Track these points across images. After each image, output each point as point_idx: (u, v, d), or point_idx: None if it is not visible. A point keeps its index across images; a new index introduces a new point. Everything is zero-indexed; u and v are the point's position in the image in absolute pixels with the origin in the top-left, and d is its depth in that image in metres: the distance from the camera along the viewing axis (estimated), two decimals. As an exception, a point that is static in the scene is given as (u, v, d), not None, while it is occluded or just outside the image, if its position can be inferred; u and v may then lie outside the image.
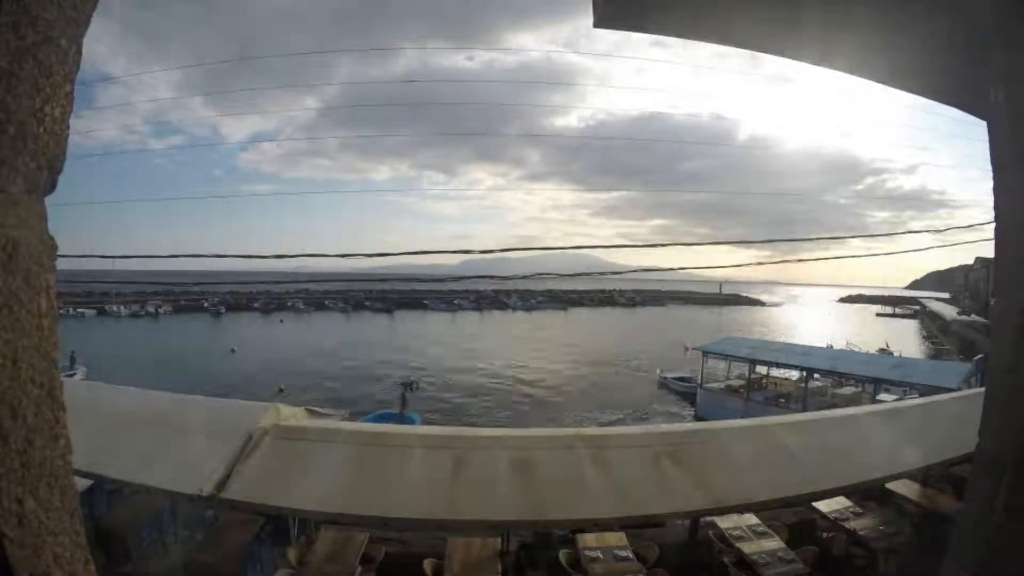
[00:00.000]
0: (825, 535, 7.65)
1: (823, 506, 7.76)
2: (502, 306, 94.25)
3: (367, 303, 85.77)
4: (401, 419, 14.08)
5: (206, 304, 73.75)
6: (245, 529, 6.82)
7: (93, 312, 62.86)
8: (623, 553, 6.44)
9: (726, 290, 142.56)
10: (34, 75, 0.83)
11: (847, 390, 21.56)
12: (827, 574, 6.59)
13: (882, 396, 18.64)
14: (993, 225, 1.54)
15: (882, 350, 34.28)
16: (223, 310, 71.86)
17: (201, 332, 53.26)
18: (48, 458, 0.87)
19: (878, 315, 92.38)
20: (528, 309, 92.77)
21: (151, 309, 69.43)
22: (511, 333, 59.14)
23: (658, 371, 32.45)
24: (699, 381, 24.74)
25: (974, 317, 49.32)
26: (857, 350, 28.68)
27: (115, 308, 66.01)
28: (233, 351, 38.79)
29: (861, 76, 1.89)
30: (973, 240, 7.54)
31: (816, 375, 21.45)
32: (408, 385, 16.30)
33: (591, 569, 6.20)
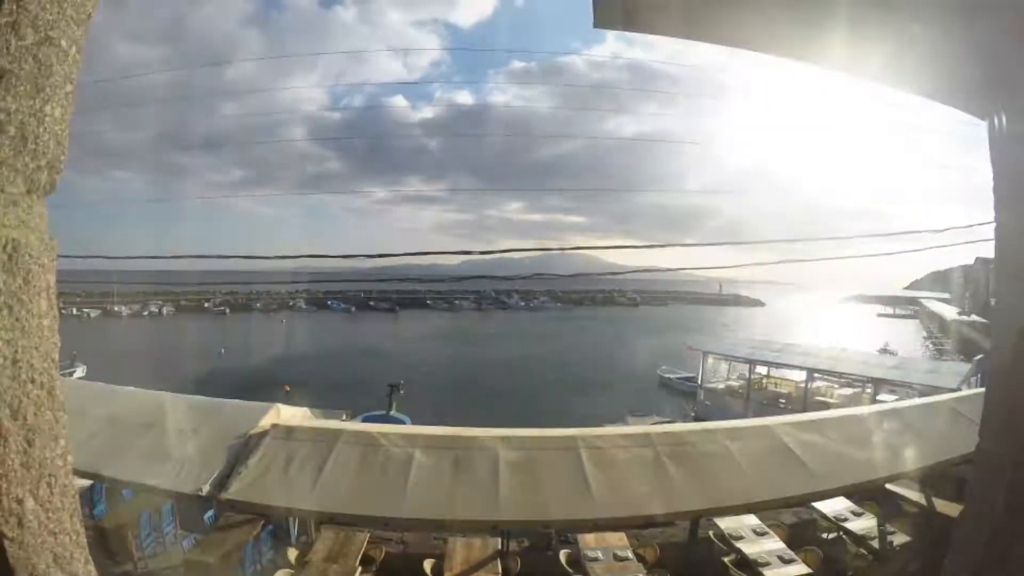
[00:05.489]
0: (825, 535, 7.64)
1: (823, 506, 7.75)
2: (503, 306, 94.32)
3: (371, 303, 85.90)
4: (388, 420, 14.23)
5: (207, 304, 73.89)
6: (245, 529, 6.81)
7: (98, 312, 63.01)
8: (623, 553, 6.43)
9: (727, 290, 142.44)
10: (34, 75, 0.83)
11: (847, 390, 21.55)
12: (828, 575, 6.59)
13: (882, 396, 18.62)
14: (993, 225, 1.54)
15: (883, 350, 34.27)
16: (227, 311, 72.01)
17: (203, 332, 53.35)
18: (48, 458, 0.87)
19: (879, 315, 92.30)
20: (531, 309, 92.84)
21: (153, 309, 69.52)
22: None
23: (658, 370, 32.32)
24: (699, 382, 24.73)
25: (974, 317, 49.27)
26: (858, 350, 28.68)
27: (117, 308, 66.03)
28: (222, 352, 38.97)
29: (860, 76, 1.89)
30: (973, 240, 7.52)
31: (816, 375, 21.43)
32: (395, 386, 16.39)
33: (591, 569, 6.19)
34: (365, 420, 14.26)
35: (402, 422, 14.42)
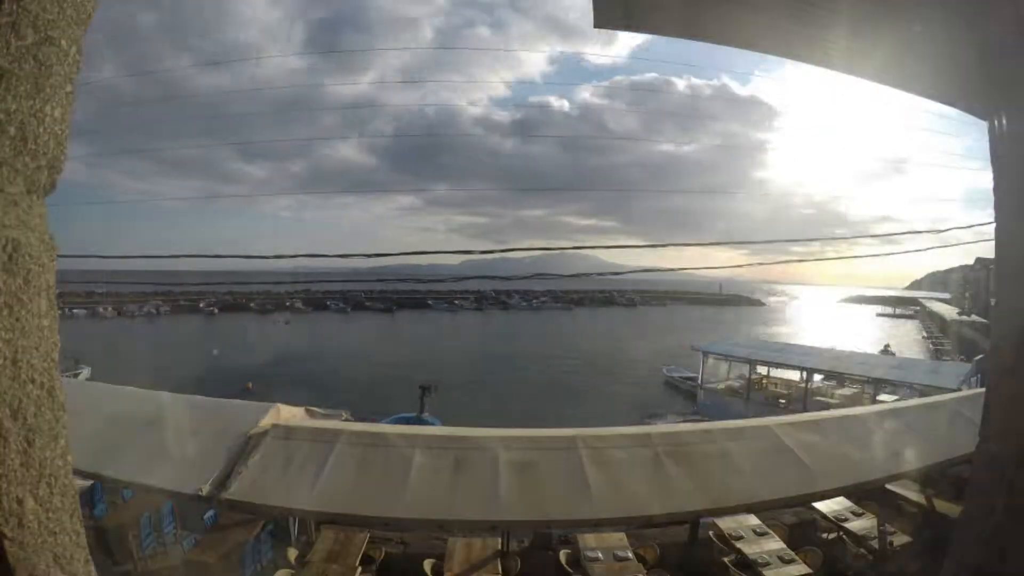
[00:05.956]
0: (825, 535, 7.64)
1: (823, 506, 7.75)
2: (504, 306, 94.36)
3: (368, 303, 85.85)
4: (419, 423, 14.16)
5: (202, 305, 74.00)
6: (245, 529, 6.81)
7: (84, 312, 63.09)
8: (623, 553, 6.43)
9: (726, 290, 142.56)
10: (34, 75, 0.83)
11: (847, 390, 21.54)
12: (827, 575, 6.59)
13: (882, 397, 18.62)
14: (993, 225, 1.54)
15: (884, 351, 34.28)
16: (215, 311, 72.06)
17: (199, 333, 53.38)
18: (48, 458, 0.87)
19: (878, 315, 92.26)
20: (534, 309, 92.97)
21: (150, 309, 69.62)
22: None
23: (663, 370, 32.37)
24: (699, 381, 24.73)
25: (974, 317, 49.26)
26: (858, 350, 28.71)
27: (102, 309, 65.57)
28: (215, 353, 38.86)
29: (861, 77, 1.89)
30: (973, 240, 7.51)
31: (816, 375, 21.43)
32: (427, 388, 16.14)
33: (591, 569, 6.19)
34: (395, 422, 14.24)
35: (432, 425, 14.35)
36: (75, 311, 61.84)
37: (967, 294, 60.71)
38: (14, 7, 0.79)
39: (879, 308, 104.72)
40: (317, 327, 61.04)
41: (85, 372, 24.86)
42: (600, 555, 6.38)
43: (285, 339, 49.66)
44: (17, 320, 0.82)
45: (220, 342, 43.39)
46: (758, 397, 21.73)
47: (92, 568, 0.97)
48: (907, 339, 53.92)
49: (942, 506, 7.62)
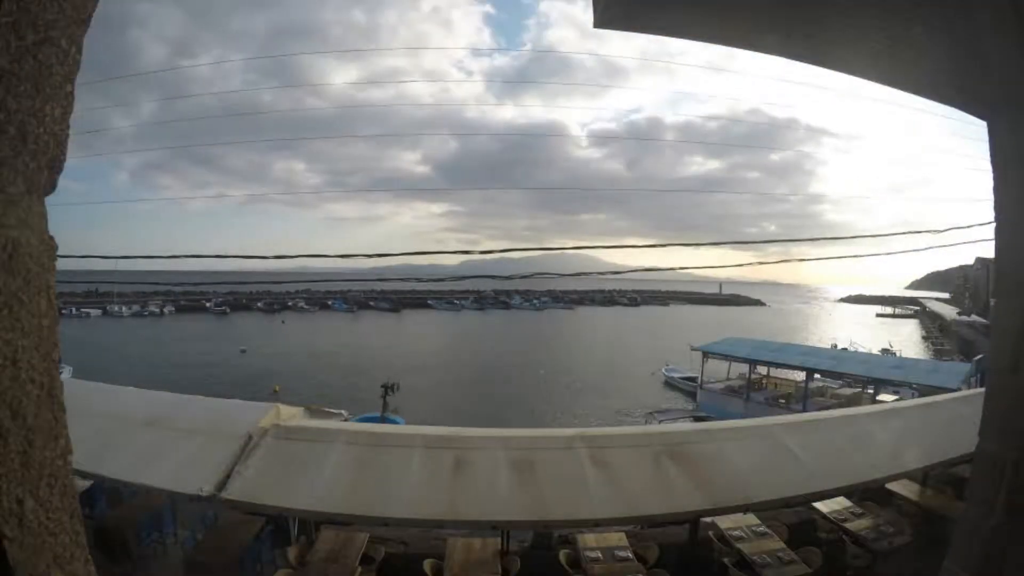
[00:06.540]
0: (825, 535, 7.64)
1: (823, 506, 7.74)
2: (505, 306, 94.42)
3: (372, 303, 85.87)
4: (383, 421, 14.23)
5: (208, 304, 74.45)
6: (245, 529, 6.81)
7: (99, 312, 63.91)
8: (623, 553, 6.43)
9: (727, 290, 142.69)
10: (34, 75, 0.83)
11: (847, 391, 21.55)
12: (827, 575, 6.59)
13: (882, 397, 18.62)
14: (993, 225, 1.54)
15: (884, 350, 34.30)
16: (227, 310, 72.56)
17: (216, 331, 53.84)
18: (48, 458, 0.87)
19: (878, 315, 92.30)
20: (536, 309, 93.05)
21: (154, 309, 70.13)
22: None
23: (663, 369, 32.30)
24: (699, 381, 24.73)
25: (974, 317, 49.31)
26: (858, 350, 28.73)
27: (117, 308, 66.83)
28: (243, 351, 39.36)
29: (860, 76, 1.89)
30: (973, 240, 7.51)
31: (816, 375, 21.44)
32: (389, 387, 16.34)
33: (591, 569, 6.19)
34: (359, 422, 14.31)
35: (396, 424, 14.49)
36: (90, 311, 62.75)
37: (967, 294, 60.73)
38: (14, 7, 0.79)
39: (879, 308, 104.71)
40: (334, 326, 61.02)
41: (67, 372, 24.75)
42: (600, 555, 6.38)
43: (317, 339, 49.46)
44: (17, 320, 0.82)
45: (243, 342, 43.88)
46: (758, 397, 21.73)
47: (92, 568, 0.97)
48: (907, 339, 53.93)
49: (942, 506, 7.62)
